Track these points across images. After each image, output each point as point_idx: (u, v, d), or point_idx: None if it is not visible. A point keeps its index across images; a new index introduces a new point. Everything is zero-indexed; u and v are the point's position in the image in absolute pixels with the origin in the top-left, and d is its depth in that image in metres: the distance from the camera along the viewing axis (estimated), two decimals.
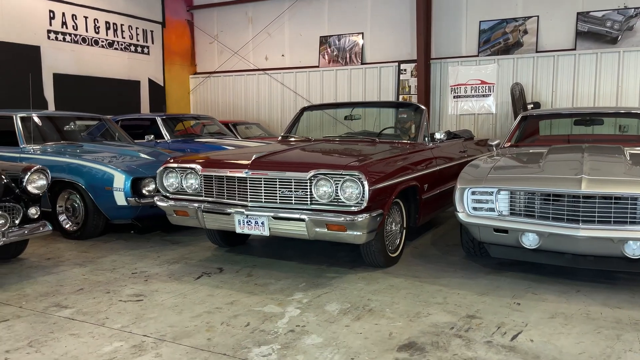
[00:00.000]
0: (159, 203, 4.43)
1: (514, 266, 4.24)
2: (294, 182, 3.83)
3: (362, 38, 10.77)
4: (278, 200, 3.91)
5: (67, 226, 5.43)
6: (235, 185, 4.05)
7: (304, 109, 6.03)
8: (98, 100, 10.17)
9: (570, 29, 8.98)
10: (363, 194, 3.60)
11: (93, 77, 10.46)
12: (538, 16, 9.19)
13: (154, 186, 5.19)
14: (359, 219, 3.59)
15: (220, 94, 12.59)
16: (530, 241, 3.71)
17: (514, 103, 8.60)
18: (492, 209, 3.85)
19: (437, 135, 5.22)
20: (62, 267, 4.33)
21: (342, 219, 3.64)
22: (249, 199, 4.00)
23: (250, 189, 3.98)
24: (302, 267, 4.28)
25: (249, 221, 3.99)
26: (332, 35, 11.10)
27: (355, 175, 3.61)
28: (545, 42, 9.17)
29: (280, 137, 5.79)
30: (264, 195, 3.94)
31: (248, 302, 3.46)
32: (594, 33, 8.79)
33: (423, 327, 3.01)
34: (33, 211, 4.32)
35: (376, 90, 10.60)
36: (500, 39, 9.49)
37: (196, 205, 4.20)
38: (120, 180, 5.04)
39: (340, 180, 3.68)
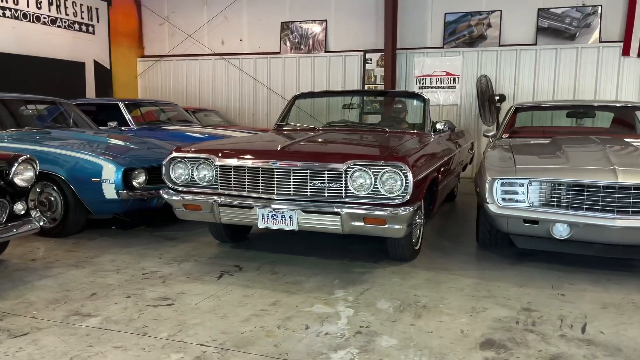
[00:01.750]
0: (165, 196, 4.06)
1: (531, 256, 4.28)
2: (327, 174, 3.62)
3: (326, 25, 10.57)
4: (309, 193, 3.68)
5: (41, 223, 4.85)
6: (259, 176, 3.77)
7: (296, 97, 5.77)
8: (40, 82, 9.25)
9: (532, 25, 9.29)
10: (407, 186, 3.46)
11: (35, 57, 9.50)
12: (501, 11, 9.44)
13: (144, 178, 4.77)
14: (402, 212, 3.46)
15: (172, 79, 11.93)
16: (561, 232, 3.74)
17: (480, 95, 8.79)
18: (522, 200, 3.85)
19: (439, 126, 5.18)
20: (56, 270, 3.85)
21: (384, 212, 3.48)
22: (275, 192, 3.73)
23: (277, 181, 3.72)
24: (323, 262, 4.09)
25: (275, 215, 3.74)
26: (294, 22, 10.81)
27: (398, 166, 3.47)
28: (508, 37, 9.44)
29: (275, 126, 5.49)
30: (293, 188, 3.70)
31: (291, 302, 3.23)
32: (554, 29, 9.16)
33: (488, 322, 2.94)
34: (20, 207, 3.80)
35: (340, 79, 10.46)
36: (465, 31, 9.66)
37: (212, 198, 3.87)
38: (110, 172, 4.57)
39: (379, 172, 3.52)
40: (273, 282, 3.61)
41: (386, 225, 3.54)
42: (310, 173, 3.65)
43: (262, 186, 3.78)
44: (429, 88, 9.80)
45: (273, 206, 3.69)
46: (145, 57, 12.19)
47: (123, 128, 7.30)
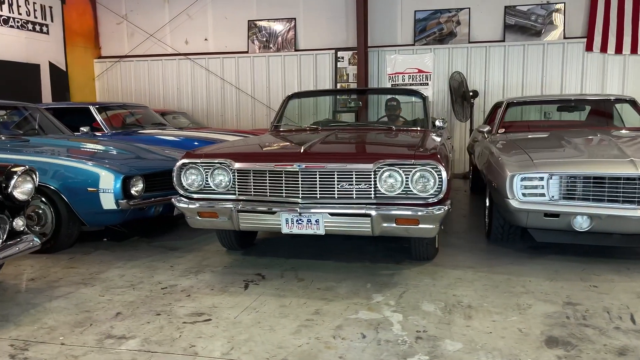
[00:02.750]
0: (178, 205, 3.82)
1: (544, 249, 4.35)
2: (356, 175, 3.52)
3: (295, 24, 10.42)
4: (336, 195, 3.56)
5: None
6: (281, 180, 3.61)
7: (290, 97, 5.61)
8: None
9: (499, 22, 9.52)
10: (441, 184, 3.40)
11: None
12: (469, 8, 9.61)
13: (142, 185, 4.48)
14: (437, 212, 3.40)
15: (134, 81, 11.42)
16: (581, 224, 3.81)
17: (454, 91, 8.92)
18: (542, 194, 3.88)
19: (438, 123, 5.17)
20: (64, 289, 3.55)
21: (417, 212, 3.41)
22: (300, 195, 3.59)
23: (302, 184, 3.58)
24: (345, 266, 3.98)
25: (300, 220, 3.59)
26: (262, 20, 10.60)
27: (431, 164, 3.40)
28: (477, 34, 9.62)
29: (272, 127, 5.31)
30: (319, 190, 3.57)
31: (333, 310, 3.11)
32: (521, 26, 9.42)
33: (540, 319, 2.93)
34: (20, 222, 3.46)
35: (312, 78, 10.35)
36: (435, 28, 9.77)
37: (230, 204, 3.68)
38: (108, 180, 4.26)
39: (411, 171, 3.45)
40: (304, 290, 3.47)
41: (419, 226, 3.47)
42: (337, 175, 3.53)
43: (285, 190, 3.62)
44: (402, 85, 9.85)
45: (299, 210, 3.55)
46: (103, 58, 11.62)
47: (97, 133, 6.90)
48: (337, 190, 3.54)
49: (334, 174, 3.54)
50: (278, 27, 10.51)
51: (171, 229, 5.33)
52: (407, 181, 3.46)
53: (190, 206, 3.78)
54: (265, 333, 2.79)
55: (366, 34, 9.72)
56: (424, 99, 5.26)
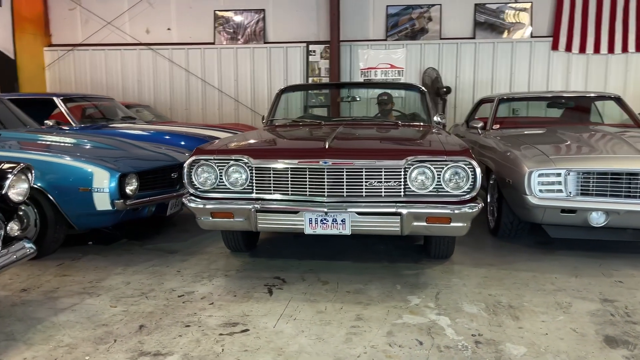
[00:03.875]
0: (189, 204, 3.53)
1: (552, 245, 4.37)
2: (385, 172, 3.36)
3: (264, 15, 10.12)
4: (364, 194, 3.39)
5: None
6: (305, 177, 3.40)
7: (282, 91, 5.37)
8: None
9: (469, 19, 9.64)
10: (474, 181, 3.31)
11: None
12: (441, 4, 9.67)
13: (136, 184, 4.14)
14: (471, 210, 3.30)
15: (89, 71, 10.74)
16: (597, 219, 3.84)
17: (426, 87, 8.93)
18: (560, 190, 3.88)
19: (437, 119, 5.11)
20: (66, 300, 3.19)
21: (450, 210, 3.30)
22: (326, 194, 3.39)
23: (328, 182, 3.38)
24: (364, 266, 3.83)
25: (325, 220, 3.40)
26: (229, 10, 10.22)
27: (464, 161, 3.30)
28: (448, 30, 9.70)
29: (268, 122, 5.05)
30: (346, 189, 3.39)
31: (375, 315, 2.95)
32: (490, 24, 9.58)
33: (587, 318, 2.90)
34: (15, 227, 3.08)
35: (282, 72, 10.10)
36: (407, 24, 9.76)
37: (247, 204, 3.43)
38: (103, 179, 3.89)
39: (442, 168, 3.33)
40: (334, 294, 3.29)
41: (450, 224, 3.36)
42: (365, 172, 3.36)
43: (309, 188, 3.41)
44: (375, 80, 9.78)
45: (324, 209, 3.35)
46: (54, 46, 10.86)
47: (64, 127, 6.37)
48: (366, 189, 3.38)
49: (362, 171, 3.36)
50: (246, 18, 10.17)
51: (159, 230, 4.98)
52: (438, 178, 3.34)
53: (203, 206, 3.50)
54: (314, 343, 2.59)
55: (339, 28, 9.58)
56: (423, 93, 5.17)
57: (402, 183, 3.36)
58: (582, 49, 9.34)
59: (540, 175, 3.90)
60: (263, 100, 10.21)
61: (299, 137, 4.15)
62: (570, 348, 2.53)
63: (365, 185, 3.37)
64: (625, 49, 9.24)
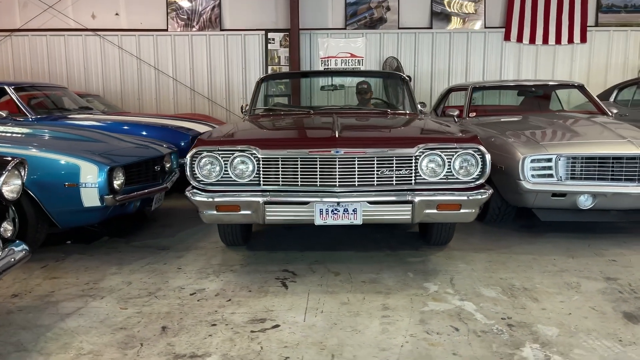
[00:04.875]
0: (193, 198, 3.36)
1: (537, 228, 4.54)
2: (396, 160, 3.35)
3: (220, 2, 9.81)
4: (375, 182, 3.36)
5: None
6: (315, 167, 3.33)
7: (262, 79, 5.22)
8: None
9: (426, 9, 9.80)
10: (484, 168, 3.36)
11: None
12: None
13: (123, 178, 3.90)
14: (481, 196, 3.35)
15: (29, 59, 10.00)
16: (585, 202, 4.03)
17: None
18: (551, 175, 4.03)
19: (420, 107, 5.17)
20: (67, 304, 2.96)
21: (460, 197, 3.34)
22: (337, 183, 3.34)
23: (339, 171, 3.33)
24: (368, 255, 3.82)
25: (336, 210, 3.34)
26: None
27: (474, 148, 3.34)
28: (406, 20, 9.82)
29: (251, 111, 4.90)
30: (358, 178, 3.34)
31: (399, 303, 2.94)
32: (446, 14, 9.78)
33: (599, 296, 3.03)
34: (8, 227, 2.84)
35: (240, 60, 9.85)
36: (365, 13, 9.79)
37: (256, 196, 3.32)
38: (91, 173, 3.63)
39: (453, 155, 3.36)
40: (350, 284, 3.25)
41: (460, 211, 3.40)
42: (377, 160, 3.33)
43: (320, 178, 3.34)
44: (334, 69, 9.75)
45: (337, 200, 3.30)
46: None
47: (20, 119, 5.91)
48: (377, 177, 3.35)
49: (373, 160, 3.33)
50: (201, 4, 9.82)
51: (140, 226, 4.73)
52: (449, 165, 3.37)
53: (208, 199, 3.34)
54: (352, 335, 2.55)
55: (298, 16, 9.45)
56: (406, 82, 5.19)
57: (413, 171, 3.36)
58: (532, 40, 9.75)
59: (532, 160, 4.03)
60: (221, 90, 9.94)
61: (301, 126, 4.05)
62: (597, 326, 2.63)
63: (377, 174, 3.35)
64: (571, 40, 9.73)
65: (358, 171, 3.33)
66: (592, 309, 2.84)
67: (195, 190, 3.39)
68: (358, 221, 3.37)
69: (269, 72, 9.72)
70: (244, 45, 9.83)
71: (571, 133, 4.40)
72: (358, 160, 3.32)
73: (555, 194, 4.04)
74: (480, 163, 3.36)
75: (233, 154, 3.36)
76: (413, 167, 3.35)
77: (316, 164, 3.33)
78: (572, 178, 4.03)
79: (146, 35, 9.89)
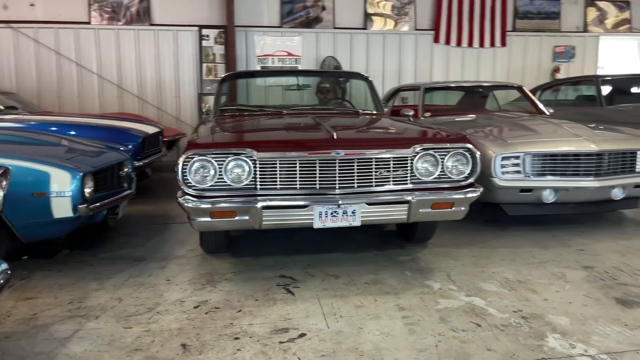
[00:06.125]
0: (186, 205, 3.17)
1: (500, 222, 4.79)
2: (393, 161, 3.38)
3: None
4: (374, 184, 3.37)
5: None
6: (315, 170, 3.27)
7: (224, 78, 5.04)
8: None
9: (360, 10, 9.95)
10: (475, 166, 3.48)
11: None
12: None
13: (92, 186, 3.59)
14: (473, 194, 3.47)
15: None
16: (549, 196, 4.32)
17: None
18: (519, 172, 4.28)
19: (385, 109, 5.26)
20: (59, 327, 2.67)
21: (453, 195, 3.44)
22: (337, 185, 3.30)
23: (339, 173, 3.29)
24: (358, 257, 3.83)
25: (335, 212, 3.31)
26: None
27: (466, 147, 3.45)
28: (341, 20, 9.90)
29: (218, 112, 4.70)
30: (357, 179, 3.33)
31: (411, 303, 2.98)
32: (380, 16, 10.00)
33: (587, 285, 3.25)
34: None
35: (172, 57, 9.40)
36: (302, 12, 9.75)
37: (253, 201, 3.20)
38: (62, 181, 3.31)
39: (445, 154, 3.45)
40: (355, 287, 3.24)
41: (452, 209, 3.51)
42: (375, 162, 3.34)
43: (319, 181, 3.29)
44: (272, 68, 9.64)
45: (338, 202, 3.26)
46: None
47: None
48: (376, 178, 3.36)
49: (371, 162, 3.34)
50: None
51: (98, 236, 4.38)
52: (442, 165, 3.45)
53: (202, 206, 3.17)
54: (384, 338, 2.54)
55: (234, 12, 9.21)
56: (369, 81, 5.25)
57: (409, 171, 3.41)
58: (459, 43, 10.25)
59: (503, 158, 4.25)
60: (152, 88, 9.44)
61: (288, 127, 3.96)
62: (599, 312, 2.83)
63: (375, 175, 3.36)
64: (492, 43, 10.35)
65: (357, 172, 3.32)
66: (587, 297, 3.05)
67: (187, 197, 3.20)
68: (357, 223, 3.36)
69: (204, 69, 9.40)
70: (176, 41, 9.40)
71: (531, 132, 4.68)
72: (357, 162, 3.31)
73: (523, 190, 4.29)
74: (470, 162, 3.48)
75: (227, 157, 3.21)
76: (409, 168, 3.40)
77: (315, 166, 3.27)
78: (538, 174, 4.30)
79: (66, 28, 9.12)
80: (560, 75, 10.49)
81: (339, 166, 3.28)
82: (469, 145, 3.46)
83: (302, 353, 2.39)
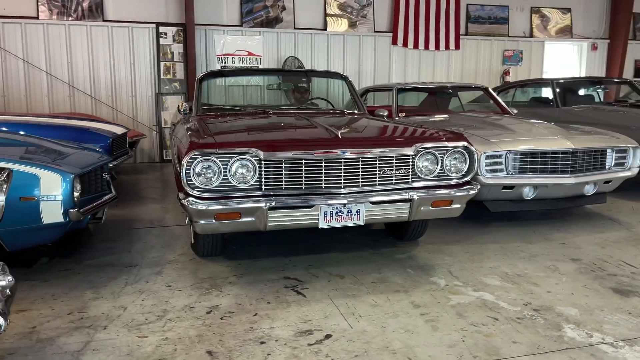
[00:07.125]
0: (190, 207, 3.05)
1: (481, 218, 4.94)
2: (396, 160, 3.40)
3: None
4: (377, 182, 3.38)
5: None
6: (320, 169, 3.24)
7: (202, 78, 4.89)
8: None
9: (320, 11, 9.97)
10: (472, 164, 3.57)
11: None
12: None
13: (80, 189, 3.39)
14: (471, 191, 3.56)
15: None
16: (529, 193, 4.50)
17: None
18: (502, 170, 4.42)
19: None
20: (68, 339, 2.50)
21: (453, 193, 3.51)
22: (343, 185, 3.29)
23: (345, 172, 3.28)
24: (356, 255, 3.83)
25: (340, 212, 3.31)
26: None
27: (463, 146, 3.53)
28: (301, 20, 9.88)
29: (200, 111, 4.56)
30: (362, 178, 3.33)
31: (425, 300, 3.01)
32: (339, 16, 10.07)
33: (582, 277, 3.40)
34: None
35: (128, 55, 9.04)
36: (261, 11, 9.64)
37: (258, 201, 3.13)
38: (53, 184, 3.10)
39: (444, 153, 3.51)
40: (364, 286, 3.23)
41: (450, 206, 3.58)
42: (379, 160, 3.35)
43: (325, 180, 3.26)
44: (232, 68, 9.46)
45: (344, 201, 3.25)
46: None
47: None
48: (379, 177, 3.37)
49: (375, 161, 3.35)
50: None
51: (76, 242, 4.13)
52: (441, 163, 3.51)
53: (208, 208, 3.06)
54: (411, 336, 2.55)
55: (193, 10, 8.98)
56: (348, 81, 5.26)
57: (410, 170, 3.45)
58: (415, 45, 10.48)
59: (487, 157, 4.38)
60: (106, 87, 9.04)
61: (288, 127, 3.89)
62: (601, 302, 2.97)
63: (379, 174, 3.37)
64: (447, 46, 10.67)
65: (362, 172, 3.32)
66: (586, 288, 3.19)
67: (191, 199, 3.08)
68: (361, 222, 3.36)
69: (162, 68, 9.11)
70: (131, 38, 9.04)
71: (509, 131, 4.85)
72: (362, 161, 3.31)
73: (505, 187, 4.44)
74: (468, 160, 3.56)
75: (232, 157, 3.12)
76: (410, 166, 3.44)
77: (321, 166, 3.24)
78: (519, 172, 4.47)
79: (12, 22, 8.57)
80: (509, 78, 10.97)
81: (345, 165, 3.27)
82: (467, 144, 3.54)
83: (335, 354, 2.36)
